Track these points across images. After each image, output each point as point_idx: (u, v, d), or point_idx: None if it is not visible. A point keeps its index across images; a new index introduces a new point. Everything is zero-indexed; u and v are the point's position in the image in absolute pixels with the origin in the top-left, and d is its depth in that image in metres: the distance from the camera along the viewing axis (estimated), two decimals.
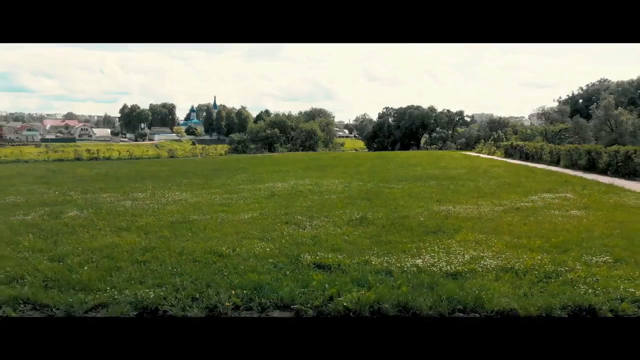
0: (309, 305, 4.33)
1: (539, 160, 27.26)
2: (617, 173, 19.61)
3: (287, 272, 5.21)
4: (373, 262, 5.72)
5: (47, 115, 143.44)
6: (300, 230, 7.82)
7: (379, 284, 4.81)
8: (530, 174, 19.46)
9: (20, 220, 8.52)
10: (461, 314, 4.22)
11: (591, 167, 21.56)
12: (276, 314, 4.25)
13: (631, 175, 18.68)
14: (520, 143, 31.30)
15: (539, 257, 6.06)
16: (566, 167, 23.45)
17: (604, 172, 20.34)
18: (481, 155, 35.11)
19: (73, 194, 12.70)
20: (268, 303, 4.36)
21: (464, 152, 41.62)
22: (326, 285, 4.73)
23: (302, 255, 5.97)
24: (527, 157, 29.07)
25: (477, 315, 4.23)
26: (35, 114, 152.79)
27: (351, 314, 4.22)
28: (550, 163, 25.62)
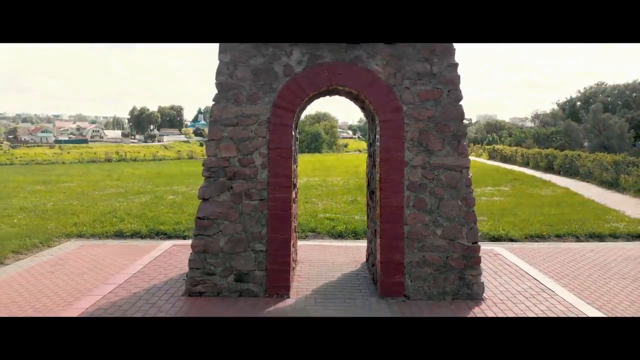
0: (324, 230, 9.86)
1: (514, 162, 32.69)
2: (566, 173, 25.08)
3: (311, 219, 10.76)
4: (356, 218, 11.24)
5: (54, 115, 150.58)
6: (315, 205, 13.35)
7: (357, 224, 10.35)
8: (495, 173, 24.96)
9: (145, 201, 14.16)
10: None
11: (549, 168, 27.00)
12: (310, 234, 9.76)
13: (574, 174, 24.13)
14: (500, 147, 36.79)
15: None
16: (533, 168, 28.86)
17: (558, 172, 25.78)
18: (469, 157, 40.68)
19: (149, 187, 18.34)
20: (305, 229, 9.89)
21: None
22: (331, 223, 10.29)
23: (318, 214, 11.50)
24: (505, 159, 34.52)
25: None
26: (42, 114, 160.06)
27: (341, 233, 9.71)
28: (521, 165, 31.02)
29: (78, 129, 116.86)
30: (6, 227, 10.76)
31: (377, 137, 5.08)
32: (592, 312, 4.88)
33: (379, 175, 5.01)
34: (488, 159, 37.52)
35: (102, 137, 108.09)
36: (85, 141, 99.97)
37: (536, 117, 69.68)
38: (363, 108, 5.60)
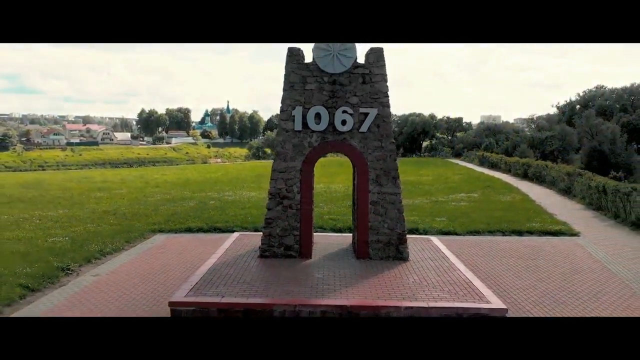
0: (328, 227, 15.08)
1: (498, 169, 37.76)
2: (537, 180, 30.15)
3: (319, 220, 16.00)
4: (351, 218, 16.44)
5: (60, 116, 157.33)
6: (321, 209, 18.58)
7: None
8: (475, 180, 30.10)
9: (193, 205, 19.49)
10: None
11: (525, 175, 32.07)
12: (318, 229, 14.96)
13: (542, 181, 29.20)
14: (488, 154, 41.88)
15: (425, 219, 16.87)
16: (514, 175, 33.93)
17: (531, 179, 30.84)
18: (461, 163, 45.75)
19: (188, 193, 23.66)
20: (315, 226, 15.10)
21: (449, 160, 52.08)
22: (333, 222, 15.54)
23: (323, 216, 16.73)
24: (492, 166, 39.59)
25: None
26: (48, 115, 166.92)
27: (338, 228, 14.90)
28: (504, 171, 36.07)
29: (88, 130, 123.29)
30: (107, 226, 16.07)
31: (355, 176, 10.29)
32: (462, 267, 10.03)
33: (356, 196, 10.21)
34: (479, 165, 42.52)
35: (112, 140, 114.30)
36: (95, 143, 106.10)
37: (532, 121, 74.66)
38: (351, 161, 10.79)
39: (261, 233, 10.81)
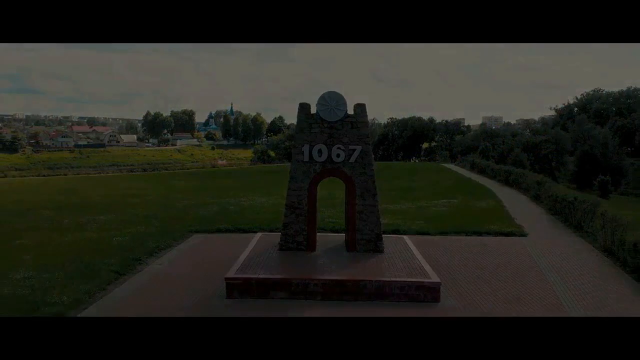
0: (328, 228, 19.85)
1: (486, 174, 42.45)
2: (516, 186, 34.77)
3: (320, 222, 20.75)
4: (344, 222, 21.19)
5: (64, 117, 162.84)
6: (323, 213, 23.32)
7: None
8: (460, 186, 34.80)
9: (216, 210, 24.32)
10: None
11: (507, 182, 36.73)
12: (320, 230, 19.72)
13: (520, 188, 33.83)
14: (478, 160, 46.61)
15: (407, 222, 21.66)
16: (498, 181, 38.61)
17: (512, 185, 35.50)
18: (454, 168, 50.48)
19: (208, 199, 28.50)
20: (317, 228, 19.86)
21: (444, 165, 56.69)
22: (333, 224, 20.31)
23: (325, 219, 21.49)
24: (481, 171, 44.30)
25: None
26: (52, 115, 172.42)
27: (336, 229, 19.65)
28: (489, 177, 40.81)
29: (94, 132, 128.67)
30: (153, 228, 20.87)
31: (346, 193, 15.04)
32: (420, 257, 14.73)
33: (347, 207, 14.96)
34: (469, 170, 47.17)
35: (119, 142, 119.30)
36: (102, 145, 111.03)
37: (527, 125, 79.50)
38: (343, 182, 15.48)
39: (279, 233, 15.59)
